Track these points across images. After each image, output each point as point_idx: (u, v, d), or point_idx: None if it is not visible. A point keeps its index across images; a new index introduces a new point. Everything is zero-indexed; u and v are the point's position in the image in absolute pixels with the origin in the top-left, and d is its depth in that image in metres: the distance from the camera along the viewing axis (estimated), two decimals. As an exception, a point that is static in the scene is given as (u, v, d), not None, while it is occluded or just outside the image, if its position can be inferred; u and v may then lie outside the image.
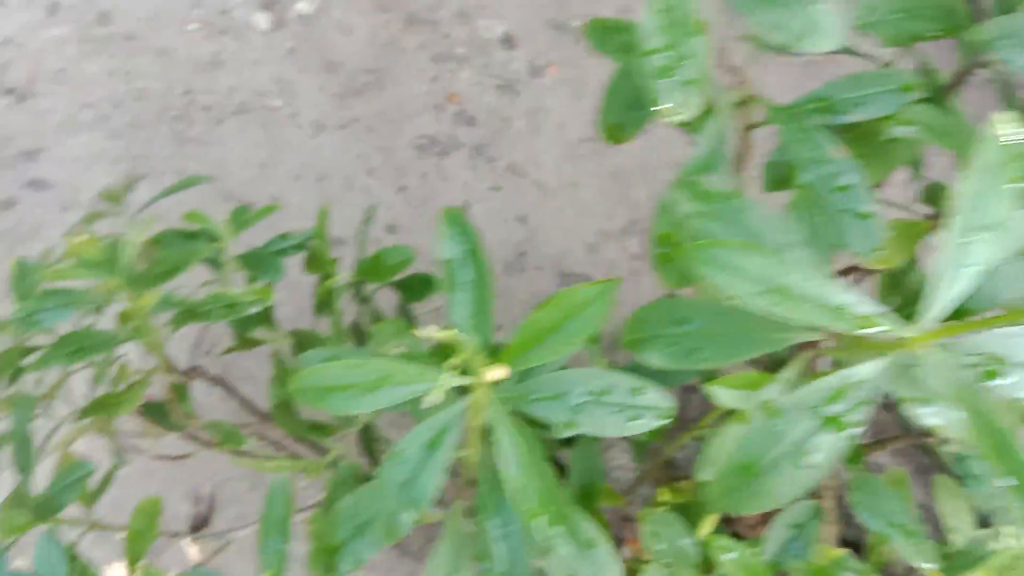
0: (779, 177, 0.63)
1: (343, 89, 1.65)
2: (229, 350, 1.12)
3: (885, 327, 0.39)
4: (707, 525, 0.79)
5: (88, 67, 1.71)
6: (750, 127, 0.60)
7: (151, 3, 1.75)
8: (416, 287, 1.01)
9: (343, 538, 0.60)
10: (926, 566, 0.64)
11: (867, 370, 0.41)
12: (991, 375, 0.40)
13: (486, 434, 0.59)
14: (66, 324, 0.93)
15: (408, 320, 1.08)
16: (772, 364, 0.72)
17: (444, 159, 1.58)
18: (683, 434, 0.92)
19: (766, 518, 1.09)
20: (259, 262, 0.95)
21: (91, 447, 1.09)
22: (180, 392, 0.99)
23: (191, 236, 0.99)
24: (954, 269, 0.39)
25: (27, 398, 0.88)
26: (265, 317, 1.04)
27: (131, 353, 1.02)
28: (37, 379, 1.02)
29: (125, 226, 1.00)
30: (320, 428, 0.97)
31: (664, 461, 0.98)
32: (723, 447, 0.57)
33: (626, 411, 0.54)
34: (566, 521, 0.52)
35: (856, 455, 0.72)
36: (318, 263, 1.01)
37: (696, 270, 0.39)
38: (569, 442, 0.77)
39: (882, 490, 0.62)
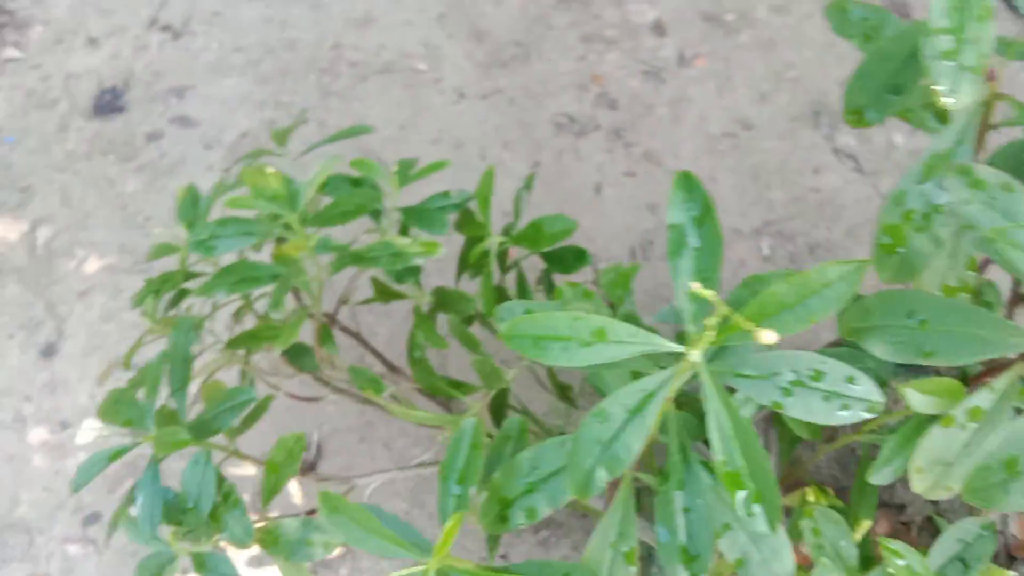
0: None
1: (489, 59, 1.66)
2: (367, 300, 1.13)
3: None
4: (861, 529, 0.77)
5: (243, 12, 1.75)
6: (989, 126, 0.58)
7: (308, -44, 1.78)
8: (568, 259, 1.00)
9: (519, 491, 0.61)
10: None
11: None
12: None
13: (680, 405, 0.59)
14: (228, 256, 0.96)
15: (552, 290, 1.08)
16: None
17: (581, 139, 1.58)
18: (828, 443, 0.90)
19: (894, 532, 1.06)
20: (423, 217, 0.96)
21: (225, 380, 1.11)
22: (327, 335, 1.01)
23: (356, 183, 1.00)
24: None
25: (189, 319, 0.90)
26: (415, 273, 1.05)
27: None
28: (187, 308, 1.05)
29: (288, 166, 1.02)
30: (459, 386, 0.98)
31: (804, 466, 0.96)
32: (925, 450, 0.55)
33: (836, 399, 0.53)
34: (767, 500, 0.51)
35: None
36: (472, 224, 1.02)
37: (994, 254, 0.38)
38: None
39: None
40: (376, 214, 1.00)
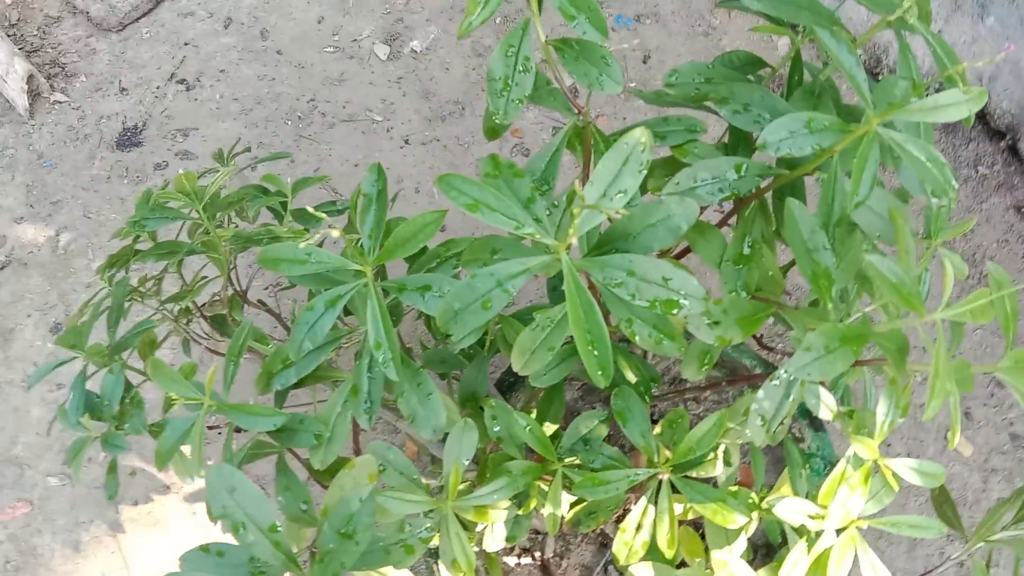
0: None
1: (432, 114, 2.01)
2: (285, 288, 1.47)
3: (536, 235, 0.68)
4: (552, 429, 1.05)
5: (244, 71, 2.14)
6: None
7: (302, 28, 2.18)
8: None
9: (278, 367, 0.92)
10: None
11: (529, 264, 0.69)
12: (618, 285, 0.67)
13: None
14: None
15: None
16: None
17: (500, 181, 1.90)
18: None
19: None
20: (307, 216, 1.29)
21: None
22: (235, 303, 1.34)
23: (265, 192, 1.35)
24: (595, 214, 0.67)
25: (125, 279, 1.24)
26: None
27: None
28: (142, 278, 1.39)
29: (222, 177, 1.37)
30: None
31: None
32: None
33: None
34: (394, 353, 0.81)
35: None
36: (352, 226, 1.35)
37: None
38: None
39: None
40: (279, 215, 1.34)
